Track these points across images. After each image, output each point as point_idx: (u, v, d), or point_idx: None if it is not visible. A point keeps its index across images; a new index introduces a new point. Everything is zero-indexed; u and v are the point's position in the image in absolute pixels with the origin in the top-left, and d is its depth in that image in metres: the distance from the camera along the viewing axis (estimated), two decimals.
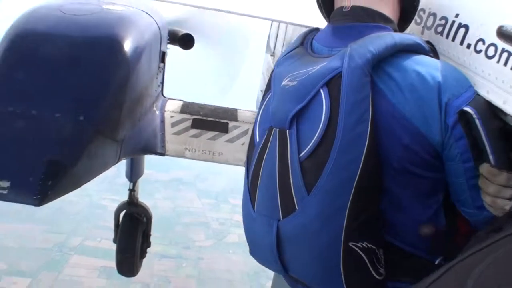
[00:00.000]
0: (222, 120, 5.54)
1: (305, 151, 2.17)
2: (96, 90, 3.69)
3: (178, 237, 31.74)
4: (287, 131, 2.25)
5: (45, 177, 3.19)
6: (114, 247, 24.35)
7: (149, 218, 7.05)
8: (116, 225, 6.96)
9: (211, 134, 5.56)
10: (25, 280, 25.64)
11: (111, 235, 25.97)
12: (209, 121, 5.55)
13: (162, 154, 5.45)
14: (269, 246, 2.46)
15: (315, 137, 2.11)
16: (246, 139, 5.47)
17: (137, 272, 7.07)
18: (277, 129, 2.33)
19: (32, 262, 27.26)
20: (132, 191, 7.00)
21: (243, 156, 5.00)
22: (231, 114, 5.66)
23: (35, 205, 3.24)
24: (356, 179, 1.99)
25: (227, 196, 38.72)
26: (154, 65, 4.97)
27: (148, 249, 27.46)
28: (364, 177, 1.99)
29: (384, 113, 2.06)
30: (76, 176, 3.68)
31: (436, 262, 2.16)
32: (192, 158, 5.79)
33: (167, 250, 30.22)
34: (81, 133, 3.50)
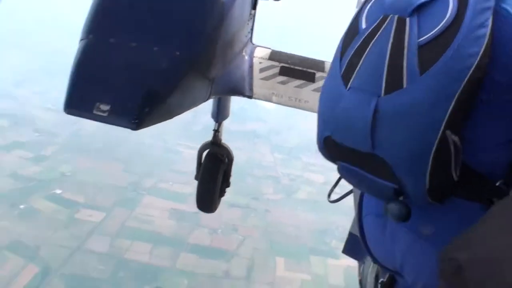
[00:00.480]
0: (309, 70, 5.88)
1: (425, 37, 2.20)
2: (192, 29, 3.99)
3: (248, 188, 32.03)
4: (407, 18, 2.26)
5: (142, 104, 3.51)
6: (185, 190, 25.23)
7: (230, 159, 7.31)
8: (199, 163, 7.23)
9: (298, 82, 5.97)
10: (100, 214, 26.90)
11: (184, 179, 26.93)
12: (297, 69, 5.92)
13: (250, 97, 5.92)
14: (361, 122, 2.39)
15: (438, 28, 2.17)
16: None
17: (215, 209, 7.44)
18: (395, 16, 2.31)
19: (108, 198, 28.53)
20: (216, 131, 7.23)
21: None
22: (319, 65, 5.95)
23: (132, 129, 3.60)
24: (470, 73, 2.07)
25: (300, 153, 38.48)
26: (246, 11, 5.32)
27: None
28: (476, 73, 2.08)
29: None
30: (170, 107, 4.01)
31: (498, 184, 2.23)
32: (279, 103, 6.21)
33: (236, 199, 30.57)
34: (176, 67, 3.82)
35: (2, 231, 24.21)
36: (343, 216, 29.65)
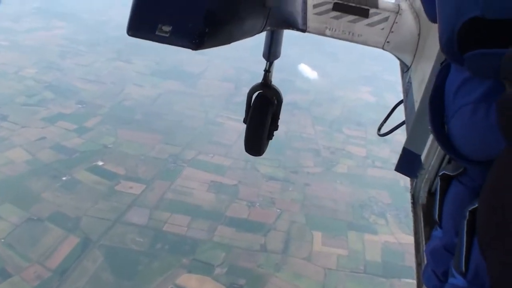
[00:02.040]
0: (363, 6, 5.91)
1: None
2: None
3: (288, 161, 31.82)
4: None
5: (203, 25, 3.47)
6: (225, 163, 25.25)
7: (280, 101, 7.13)
8: (248, 105, 7.07)
9: (351, 17, 5.96)
10: (141, 186, 27.32)
11: (224, 151, 26.94)
12: (350, 5, 5.96)
13: (303, 31, 5.89)
14: None
15: None
16: (386, 25, 5.92)
17: (263, 153, 7.29)
18: None
19: (148, 170, 28.91)
20: (267, 72, 7.01)
21: (382, 40, 5.87)
22: (372, 1, 6.01)
23: (192, 49, 3.53)
24: None
25: (341, 125, 37.84)
26: None
27: (257, 169, 27.77)
28: None
29: None
30: (228, 32, 3.99)
31: None
32: (332, 37, 6.14)
33: (275, 172, 30.49)
34: None
35: (44, 203, 24.92)
36: (383, 190, 29.27)
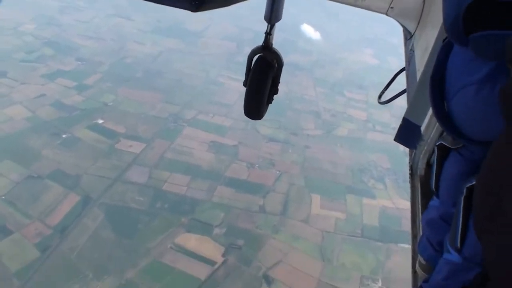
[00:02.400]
0: None
1: None
2: None
3: (288, 122, 31.75)
4: None
5: None
6: (225, 123, 25.19)
7: (280, 65, 7.06)
8: (248, 68, 7.01)
9: None
10: (141, 145, 27.33)
11: (224, 111, 26.82)
12: None
13: None
14: None
15: None
16: None
17: (262, 116, 7.29)
18: None
19: (148, 129, 28.86)
20: (268, 34, 6.91)
21: (386, 5, 5.79)
22: None
23: (192, 11, 3.48)
24: None
25: (343, 88, 37.57)
26: None
27: (258, 130, 27.67)
28: None
29: None
30: None
31: None
32: (336, 1, 6.25)
33: (275, 133, 30.46)
34: None
35: (44, 160, 24.97)
36: (383, 154, 29.30)
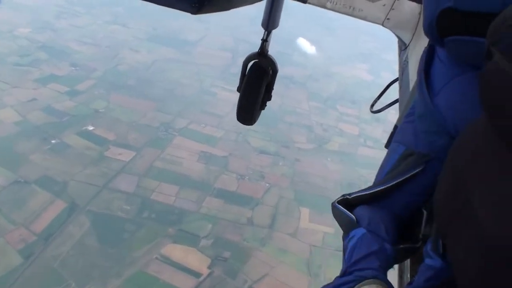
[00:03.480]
0: None
1: None
2: None
3: (280, 135, 31.69)
4: None
5: None
6: (216, 134, 25.06)
7: (275, 71, 7.10)
8: (243, 73, 7.04)
9: None
10: (130, 153, 27.20)
11: (216, 122, 26.66)
12: None
13: (304, 1, 5.95)
14: None
15: None
16: (388, 1, 5.88)
17: (255, 122, 7.29)
18: None
19: (139, 137, 28.73)
20: (264, 41, 6.95)
21: (383, 16, 5.84)
22: None
23: (192, 13, 3.51)
24: None
25: (336, 102, 37.60)
26: None
27: (249, 142, 27.50)
28: None
29: None
30: None
31: None
32: (333, 10, 6.18)
33: (266, 146, 30.40)
34: None
35: (32, 165, 24.74)
36: (373, 170, 29.05)
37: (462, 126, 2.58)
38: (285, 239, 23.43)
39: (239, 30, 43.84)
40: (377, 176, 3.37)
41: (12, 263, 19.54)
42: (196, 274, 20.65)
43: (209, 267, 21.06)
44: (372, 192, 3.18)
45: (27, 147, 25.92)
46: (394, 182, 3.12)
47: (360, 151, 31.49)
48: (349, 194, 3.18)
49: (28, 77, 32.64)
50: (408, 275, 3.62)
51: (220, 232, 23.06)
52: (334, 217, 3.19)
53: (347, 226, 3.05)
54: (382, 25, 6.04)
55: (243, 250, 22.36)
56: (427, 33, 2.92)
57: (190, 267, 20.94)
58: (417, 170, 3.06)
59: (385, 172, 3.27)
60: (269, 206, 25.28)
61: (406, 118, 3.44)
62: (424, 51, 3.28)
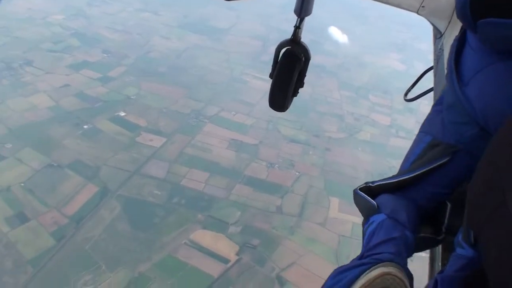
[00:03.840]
0: None
1: None
2: None
3: (310, 124, 31.40)
4: None
5: None
6: (247, 122, 25.01)
7: (307, 58, 7.01)
8: (275, 60, 7.00)
9: None
10: (161, 139, 27.30)
11: (247, 110, 26.62)
12: None
13: None
14: None
15: None
16: None
17: (287, 109, 7.26)
18: None
19: (170, 124, 28.82)
20: (297, 28, 6.86)
21: (417, 4, 5.51)
22: None
23: None
24: None
25: (368, 92, 37.10)
26: None
27: (279, 130, 27.42)
28: None
29: None
30: None
31: None
32: None
33: (297, 134, 30.16)
34: None
35: (65, 150, 25.08)
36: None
37: (493, 118, 2.73)
38: (314, 228, 23.23)
39: (270, 18, 43.59)
40: (402, 165, 3.28)
41: (45, 244, 19.85)
42: (225, 260, 20.63)
43: (237, 254, 21.02)
44: (397, 181, 3.11)
45: (60, 132, 26.28)
46: (420, 172, 3.04)
47: (391, 141, 31.00)
48: (372, 182, 3.14)
49: (61, 63, 33.09)
50: (440, 264, 3.49)
51: (249, 219, 22.99)
52: (355, 203, 3.15)
53: (367, 212, 3.00)
54: (417, 13, 5.70)
55: (271, 238, 22.24)
56: (460, 16, 2.75)
57: (219, 253, 20.93)
58: (443, 161, 2.98)
59: (410, 162, 3.17)
60: (298, 195, 25.08)
61: (434, 107, 3.35)
62: (455, 39, 3.16)
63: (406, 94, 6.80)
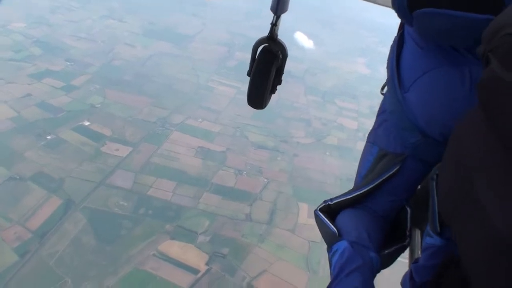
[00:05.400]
0: None
1: None
2: None
3: (278, 130, 31.46)
4: None
5: None
6: (214, 129, 24.91)
7: (285, 56, 7.12)
8: (253, 58, 7.02)
9: None
10: (127, 149, 26.90)
11: (213, 117, 26.52)
12: None
13: None
14: None
15: None
16: None
17: (265, 106, 7.34)
18: None
19: (135, 133, 28.43)
20: (274, 25, 6.93)
21: None
22: None
23: None
24: None
25: (334, 96, 37.41)
26: None
27: (246, 137, 27.39)
28: None
29: None
30: None
31: None
32: None
33: (265, 140, 30.16)
34: None
35: (27, 162, 24.40)
36: None
37: (435, 126, 2.78)
38: (283, 235, 23.19)
39: (234, 24, 43.60)
40: (355, 179, 3.32)
41: (7, 261, 19.21)
42: (194, 271, 20.36)
43: (207, 264, 20.76)
44: (352, 197, 3.13)
45: (22, 144, 25.58)
46: (373, 185, 3.08)
47: (359, 145, 31.17)
48: (331, 200, 3.17)
49: (22, 73, 32.29)
50: (419, 252, 3.54)
51: (218, 228, 22.79)
52: (317, 226, 3.14)
53: (329, 240, 2.97)
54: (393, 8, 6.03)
55: (241, 247, 22.09)
56: (395, 5, 2.73)
57: (188, 264, 20.64)
58: (393, 170, 3.03)
59: (362, 176, 3.23)
60: (267, 202, 25.03)
61: (379, 116, 3.38)
62: (394, 41, 3.15)
63: (382, 89, 6.95)
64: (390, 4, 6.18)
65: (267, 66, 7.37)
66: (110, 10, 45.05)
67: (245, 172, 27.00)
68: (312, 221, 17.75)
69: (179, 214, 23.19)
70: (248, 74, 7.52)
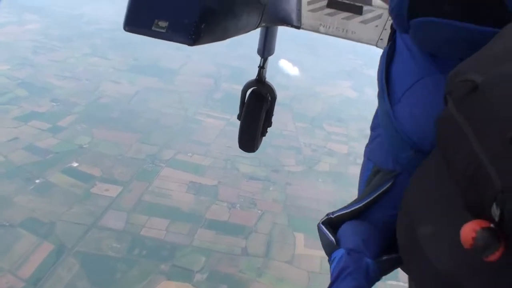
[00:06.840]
0: (357, 3, 6.07)
1: None
2: None
3: (268, 159, 31.29)
4: None
5: (199, 21, 3.52)
6: (204, 163, 24.73)
7: (273, 98, 7.23)
8: (242, 102, 7.04)
9: (345, 14, 6.09)
10: (117, 188, 26.55)
11: (203, 150, 26.33)
12: (344, 3, 6.11)
13: (298, 27, 6.01)
14: None
15: None
16: (380, 22, 5.96)
17: (257, 148, 7.34)
18: None
19: (125, 171, 28.13)
20: (261, 68, 6.96)
21: (376, 37, 5.89)
22: None
23: (189, 44, 3.58)
24: None
25: (322, 121, 37.49)
26: None
27: (237, 168, 27.33)
28: None
29: None
30: (224, 28, 4.07)
31: None
32: (326, 34, 6.28)
33: (256, 171, 30.00)
34: None
35: (16, 208, 23.97)
36: None
37: (424, 138, 2.77)
38: (282, 267, 22.94)
39: (219, 55, 43.68)
40: (358, 192, 3.46)
41: None
42: None
43: None
44: (351, 211, 3.22)
45: (11, 189, 25.14)
46: (369, 200, 3.16)
47: (351, 170, 31.08)
48: (332, 213, 3.29)
49: (8, 116, 31.92)
50: None
51: (214, 264, 22.49)
52: (319, 238, 3.26)
53: (328, 250, 3.08)
54: (376, 46, 6.06)
55: (239, 282, 21.80)
56: (394, 11, 2.77)
57: None
58: (387, 186, 3.09)
59: (361, 190, 3.37)
60: (263, 234, 24.80)
61: (373, 131, 3.45)
62: (384, 51, 3.20)
63: None
64: (375, 42, 6.21)
65: (257, 110, 7.42)
66: (92, 47, 45.04)
67: (238, 205, 26.77)
68: (310, 251, 17.60)
69: (174, 253, 22.84)
70: (238, 118, 7.51)
